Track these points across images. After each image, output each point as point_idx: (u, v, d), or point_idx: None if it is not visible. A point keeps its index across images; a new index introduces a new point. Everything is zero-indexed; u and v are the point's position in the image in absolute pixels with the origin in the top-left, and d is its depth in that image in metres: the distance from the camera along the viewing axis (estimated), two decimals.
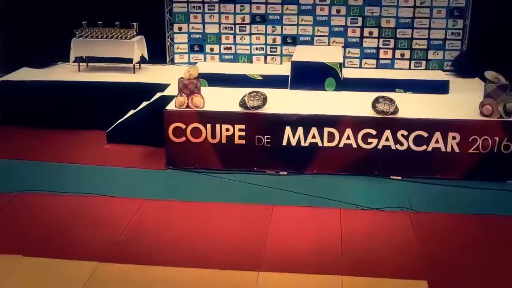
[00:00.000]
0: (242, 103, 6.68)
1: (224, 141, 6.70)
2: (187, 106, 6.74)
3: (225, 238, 5.26)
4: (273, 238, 5.26)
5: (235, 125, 6.65)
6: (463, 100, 7.06)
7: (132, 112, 7.70)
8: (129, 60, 8.51)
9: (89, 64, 8.77)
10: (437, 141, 6.45)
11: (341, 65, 7.61)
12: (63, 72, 8.60)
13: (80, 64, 8.64)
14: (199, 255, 4.97)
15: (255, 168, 6.72)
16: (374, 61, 8.77)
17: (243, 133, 6.66)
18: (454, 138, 6.43)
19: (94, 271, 4.73)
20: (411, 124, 6.46)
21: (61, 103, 8.10)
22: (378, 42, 8.73)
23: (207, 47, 9.03)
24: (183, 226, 5.49)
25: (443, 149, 6.47)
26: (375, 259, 4.92)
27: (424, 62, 8.71)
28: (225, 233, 5.35)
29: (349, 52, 8.77)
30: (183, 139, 6.75)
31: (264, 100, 6.71)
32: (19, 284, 4.60)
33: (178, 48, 9.09)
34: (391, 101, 6.53)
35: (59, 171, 6.78)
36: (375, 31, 8.69)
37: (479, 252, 5.06)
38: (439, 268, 4.79)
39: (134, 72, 8.52)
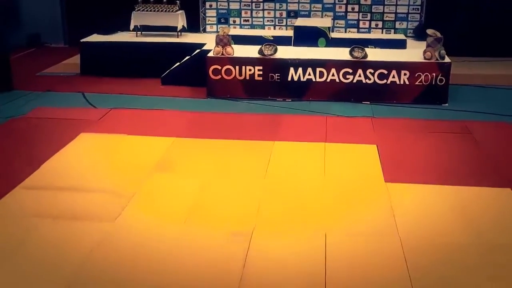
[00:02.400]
0: (260, 51, 9.69)
1: (247, 78, 9.70)
2: (222, 54, 9.74)
3: (251, 127, 8.25)
4: (283, 127, 8.26)
5: (255, 67, 9.65)
6: (415, 52, 9.99)
7: (178, 63, 10.69)
8: (174, 28, 11.49)
9: (143, 32, 11.76)
10: (393, 77, 9.44)
11: (330, 29, 10.63)
12: (125, 37, 11.60)
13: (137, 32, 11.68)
14: (239, 133, 7.96)
15: (269, 97, 9.70)
16: (355, 30, 11.79)
17: (260, 72, 9.66)
18: (405, 74, 9.41)
19: (173, 142, 7.71)
20: (376, 65, 9.45)
21: (125, 58, 11.08)
22: (358, 15, 11.75)
23: (231, 20, 12.07)
24: (224, 123, 8.49)
25: (398, 82, 9.45)
26: (344, 134, 7.93)
27: (392, 31, 11.73)
28: (251, 125, 8.35)
29: (336, 23, 11.79)
30: (219, 76, 9.75)
31: (276, 50, 9.72)
32: (127, 150, 7.57)
33: (208, 20, 12.12)
34: (362, 49, 9.53)
35: (132, 99, 9.77)
36: (356, 7, 11.72)
37: (416, 133, 8.03)
38: (386, 139, 7.77)
39: (178, 37, 11.50)
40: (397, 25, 11.68)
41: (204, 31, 12.15)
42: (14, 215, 5.66)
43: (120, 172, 6.69)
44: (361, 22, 11.74)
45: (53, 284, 4.52)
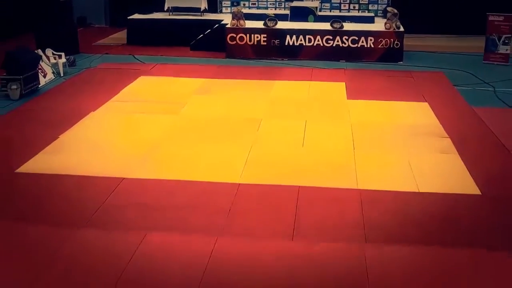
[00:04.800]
0: (265, 24, 13.16)
1: (255, 43, 13.16)
2: (237, 25, 13.21)
3: (258, 74, 11.71)
4: (281, 74, 11.71)
5: (261, 35, 13.12)
6: (379, 24, 13.47)
7: (202, 35, 14.14)
8: (198, 9, 14.91)
9: (174, 12, 15.20)
10: (362, 42, 12.90)
11: (317, 8, 14.09)
12: (160, 15, 15.05)
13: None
14: (250, 76, 11.43)
15: (271, 57, 13.16)
16: (338, 11, 15.21)
17: (265, 39, 13.13)
18: (371, 40, 12.87)
19: (205, 81, 11.15)
20: (349, 33, 12.91)
21: (162, 31, 14.54)
22: None
23: (241, 3, 15.50)
24: (239, 71, 11.95)
25: (366, 46, 12.91)
26: (324, 78, 11.40)
27: (366, 11, 15.16)
28: (258, 73, 11.81)
29: (323, 5, 15.22)
30: (234, 42, 13.22)
31: (276, 23, 13.19)
32: (175, 84, 10.99)
33: (224, 3, 15.58)
34: (339, 22, 13.01)
35: (170, 59, 13.23)
36: None
37: (374, 77, 11.48)
38: (353, 80, 11.22)
39: (201, 15, 14.95)
40: (370, 7, 15.12)
41: (221, 11, 15.62)
42: (112, 112, 9.15)
43: (174, 94, 10.16)
44: (342, 5, 15.17)
45: (144, 144, 7.97)
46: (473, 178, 6.67)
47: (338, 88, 10.64)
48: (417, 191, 6.40)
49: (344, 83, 11.00)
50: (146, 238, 5.35)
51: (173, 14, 15.09)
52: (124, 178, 6.65)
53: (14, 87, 9.81)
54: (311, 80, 11.26)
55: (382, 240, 5.37)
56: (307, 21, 13.97)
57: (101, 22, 17.83)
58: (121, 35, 15.49)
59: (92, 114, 9.02)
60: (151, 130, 8.31)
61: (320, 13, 14.30)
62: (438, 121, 8.76)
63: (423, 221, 5.74)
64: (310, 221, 5.74)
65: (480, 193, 6.34)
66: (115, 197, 6.21)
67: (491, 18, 12.80)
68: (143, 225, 5.62)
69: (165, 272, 4.88)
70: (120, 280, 4.76)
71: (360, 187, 6.47)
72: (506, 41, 12.68)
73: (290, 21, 14.07)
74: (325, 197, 6.25)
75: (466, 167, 7.00)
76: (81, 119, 8.76)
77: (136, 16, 15.02)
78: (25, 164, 7.03)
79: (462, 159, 7.24)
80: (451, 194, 6.32)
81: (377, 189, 6.42)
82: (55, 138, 7.94)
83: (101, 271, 4.91)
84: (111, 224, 5.67)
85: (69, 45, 13.26)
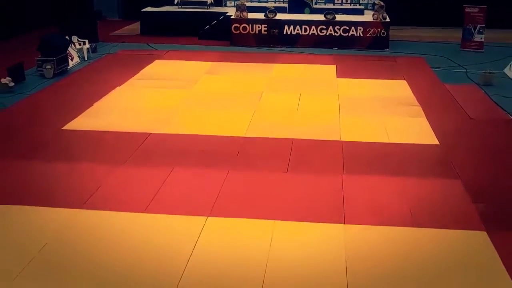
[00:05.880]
0: (265, 15, 14.71)
1: (257, 32, 14.72)
2: (240, 17, 14.75)
3: (260, 58, 13.25)
4: (280, 59, 13.26)
5: (262, 25, 14.67)
6: (367, 16, 15.01)
7: (208, 26, 15.68)
8: (205, 3, 16.47)
9: (183, 5, 16.74)
10: (353, 31, 14.45)
11: (313, 1, 15.64)
12: (171, 8, 16.59)
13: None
14: (253, 60, 12.97)
15: (271, 45, 14.70)
16: (331, 4, 16.75)
17: (266, 28, 14.68)
18: (360, 29, 14.42)
19: (213, 64, 12.69)
20: (341, 23, 14.46)
21: (172, 22, 16.09)
22: None
23: None
24: (242, 57, 13.49)
25: (355, 34, 14.46)
26: (317, 61, 12.94)
27: (357, 5, 16.68)
28: (260, 57, 13.36)
29: None
30: (238, 31, 14.77)
31: (276, 14, 14.74)
32: (187, 66, 12.54)
33: None
34: (332, 13, 14.56)
35: (180, 46, 14.78)
36: None
37: (362, 61, 13.02)
38: (342, 63, 12.75)
39: (207, 8, 16.50)
40: (361, 0, 16.68)
41: (225, 5, 17.18)
42: (135, 87, 10.70)
43: (186, 74, 11.70)
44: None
45: (165, 109, 9.52)
46: (434, 133, 8.23)
47: (329, 70, 12.18)
48: (387, 141, 7.94)
49: (335, 65, 12.54)
50: (173, 171, 6.90)
51: (182, 7, 16.63)
52: (151, 133, 8.19)
53: (48, 67, 11.35)
54: (306, 63, 12.80)
55: (357, 172, 6.91)
56: (304, 13, 15.51)
57: (114, 16, 19.36)
58: (134, 27, 17.04)
59: (118, 88, 10.57)
60: (169, 100, 9.86)
61: (315, 6, 15.86)
62: (412, 94, 10.30)
63: (389, 159, 7.30)
64: (301, 160, 7.29)
65: (438, 143, 7.89)
66: (145, 145, 7.77)
67: (467, 10, 14.34)
68: (170, 163, 7.17)
69: (188, 195, 6.41)
70: (153, 201, 6.28)
71: (343, 139, 8.02)
72: (481, 30, 14.21)
73: (288, 13, 15.61)
74: (313, 145, 7.80)
75: (431, 126, 8.54)
76: (109, 92, 10.30)
77: (149, 9, 16.57)
78: (69, 124, 8.59)
79: (428, 121, 8.79)
80: (415, 144, 7.87)
81: (355, 140, 7.97)
82: (90, 105, 9.49)
83: (137, 194, 6.43)
84: (144, 163, 7.22)
85: (89, 34, 14.78)
